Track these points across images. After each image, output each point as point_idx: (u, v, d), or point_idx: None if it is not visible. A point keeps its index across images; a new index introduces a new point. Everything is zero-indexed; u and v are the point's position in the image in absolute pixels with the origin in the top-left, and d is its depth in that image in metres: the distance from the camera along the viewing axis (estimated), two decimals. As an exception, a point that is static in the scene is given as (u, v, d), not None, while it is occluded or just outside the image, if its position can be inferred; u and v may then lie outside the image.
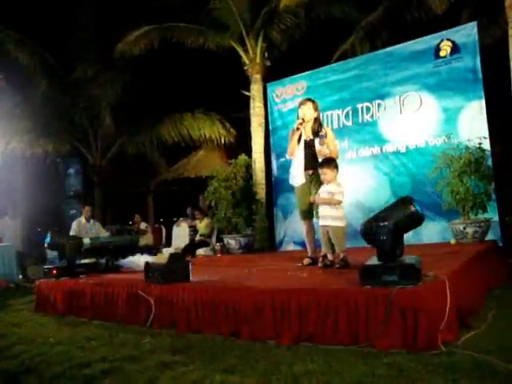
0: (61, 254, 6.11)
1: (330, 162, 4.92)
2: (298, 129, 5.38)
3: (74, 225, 9.25)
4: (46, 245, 6.34)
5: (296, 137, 5.42)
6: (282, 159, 9.26)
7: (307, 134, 5.39)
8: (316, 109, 5.43)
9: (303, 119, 5.36)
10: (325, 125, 8.08)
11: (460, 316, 3.35)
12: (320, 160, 5.10)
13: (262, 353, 3.22)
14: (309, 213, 5.34)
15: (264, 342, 3.48)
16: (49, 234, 6.21)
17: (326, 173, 4.87)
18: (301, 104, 5.51)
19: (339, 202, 4.78)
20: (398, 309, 3.06)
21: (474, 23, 7.59)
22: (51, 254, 9.24)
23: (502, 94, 7.70)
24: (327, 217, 4.83)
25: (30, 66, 13.55)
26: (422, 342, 2.94)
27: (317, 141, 5.25)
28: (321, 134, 5.26)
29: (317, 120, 5.41)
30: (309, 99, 5.57)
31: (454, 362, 2.69)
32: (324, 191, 4.88)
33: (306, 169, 5.31)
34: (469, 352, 2.81)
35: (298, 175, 5.40)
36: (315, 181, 5.20)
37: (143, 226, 11.87)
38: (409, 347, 2.96)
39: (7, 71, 12.97)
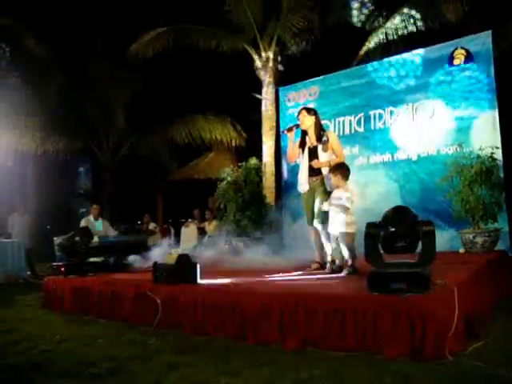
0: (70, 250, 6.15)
1: (336, 168, 4.96)
2: (289, 130, 5.54)
3: (83, 223, 9.30)
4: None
5: (291, 140, 5.56)
6: (292, 163, 9.25)
7: (311, 141, 5.43)
8: (313, 114, 5.45)
9: (298, 125, 5.48)
10: (332, 130, 8.15)
11: (468, 326, 3.32)
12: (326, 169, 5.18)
13: (268, 357, 3.22)
14: (314, 218, 5.34)
15: (270, 345, 3.48)
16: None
17: (331, 178, 4.95)
18: (298, 114, 5.59)
19: (346, 208, 4.77)
20: (406, 317, 3.04)
21: (489, 32, 7.53)
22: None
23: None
24: (336, 222, 4.83)
25: (46, 62, 13.69)
26: (429, 351, 2.92)
27: (320, 147, 5.28)
28: (323, 139, 5.29)
29: (317, 125, 5.44)
30: (303, 108, 5.66)
31: (461, 372, 2.68)
32: (333, 197, 4.90)
33: (310, 175, 5.34)
34: (476, 362, 2.79)
35: (303, 182, 5.43)
36: (319, 187, 5.23)
37: (152, 226, 11.89)
38: (416, 356, 2.95)
39: (22, 66, 13.09)
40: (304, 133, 5.50)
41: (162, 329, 4.20)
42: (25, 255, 9.53)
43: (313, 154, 5.34)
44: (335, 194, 4.89)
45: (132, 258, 6.71)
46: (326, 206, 4.95)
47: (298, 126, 5.49)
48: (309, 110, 5.51)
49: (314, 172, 5.31)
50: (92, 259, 6.28)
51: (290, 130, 5.55)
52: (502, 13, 9.30)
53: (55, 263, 6.30)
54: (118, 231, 9.73)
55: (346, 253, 4.83)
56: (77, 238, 6.15)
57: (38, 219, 12.89)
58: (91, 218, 9.47)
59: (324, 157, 5.24)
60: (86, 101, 14.31)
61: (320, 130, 5.42)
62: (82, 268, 5.89)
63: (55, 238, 9.97)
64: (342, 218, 4.79)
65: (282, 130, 5.76)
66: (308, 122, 5.41)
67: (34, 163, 15.37)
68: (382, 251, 3.49)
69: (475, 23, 9.50)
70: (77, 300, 5.35)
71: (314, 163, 5.23)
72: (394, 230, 3.31)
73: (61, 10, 14.40)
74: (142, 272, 5.82)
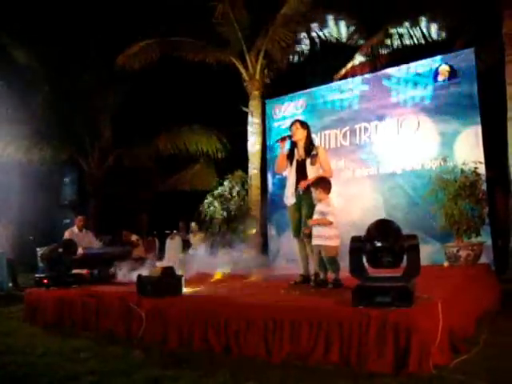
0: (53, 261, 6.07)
1: (317, 182, 4.99)
2: (282, 140, 5.51)
3: (67, 234, 9.19)
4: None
5: (281, 151, 5.56)
6: (279, 176, 9.28)
7: (300, 154, 5.46)
8: (306, 128, 5.49)
9: (290, 136, 5.48)
10: (318, 144, 8.21)
11: (452, 339, 3.34)
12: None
13: (253, 370, 3.20)
14: (300, 231, 5.35)
15: (255, 359, 3.46)
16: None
17: (314, 192, 4.97)
18: (290, 126, 5.61)
19: (330, 223, 4.80)
20: (391, 331, 3.05)
21: (472, 49, 7.67)
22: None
23: (497, 119, 7.79)
24: (320, 236, 4.86)
25: (33, 71, 13.64)
26: (413, 365, 2.93)
27: (308, 161, 5.31)
28: (312, 153, 5.33)
29: (308, 139, 5.47)
30: (297, 120, 5.70)
31: (445, 386, 2.69)
32: (316, 211, 4.93)
33: (296, 188, 5.36)
34: (460, 376, 2.80)
35: (290, 195, 5.45)
36: (305, 200, 5.24)
37: (134, 238, 11.74)
38: (400, 369, 2.95)
39: (8, 75, 13.00)
40: (293, 145, 5.52)
41: (146, 342, 4.16)
42: (7, 266, 9.39)
43: (301, 168, 5.36)
44: (318, 208, 4.93)
45: (116, 269, 6.64)
46: (311, 223, 4.98)
47: (291, 136, 5.51)
48: (302, 123, 5.54)
49: None
50: (75, 271, 6.22)
51: (283, 139, 5.55)
52: (484, 30, 9.45)
53: (38, 275, 6.20)
54: (102, 242, 9.64)
55: (330, 266, 4.85)
56: (60, 250, 6.08)
57: (21, 230, 12.72)
58: (75, 229, 9.36)
59: (312, 170, 5.26)
60: (73, 111, 14.23)
61: (310, 145, 5.45)
62: (66, 280, 5.82)
63: (38, 249, 9.85)
64: (325, 232, 4.82)
65: (275, 139, 5.77)
66: (300, 134, 5.44)
67: (18, 172, 15.20)
68: (366, 265, 3.50)
69: (459, 40, 9.66)
70: (59, 312, 5.27)
71: (302, 184, 5.22)
72: (380, 244, 3.32)
73: (48, 20, 14.34)
74: (126, 284, 5.77)
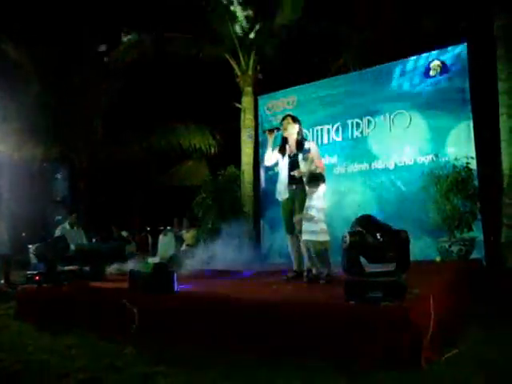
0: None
1: (310, 178, 4.99)
2: (270, 131, 5.57)
3: (58, 231, 9.15)
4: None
5: (270, 142, 5.56)
6: (271, 172, 9.27)
7: (291, 149, 5.45)
8: (297, 123, 5.48)
9: (279, 128, 5.51)
10: (311, 139, 8.22)
11: (443, 334, 3.35)
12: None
13: (245, 367, 3.20)
14: (292, 227, 5.35)
15: (247, 355, 3.45)
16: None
17: (306, 187, 5.00)
18: (282, 120, 5.59)
19: (313, 217, 4.80)
20: (382, 325, 3.05)
21: (464, 45, 7.67)
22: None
23: (489, 115, 7.81)
24: (308, 231, 4.86)
25: (24, 68, 13.57)
26: (404, 359, 2.94)
27: (300, 156, 5.30)
28: (304, 148, 5.33)
29: (299, 134, 5.46)
30: (288, 115, 5.68)
31: (436, 381, 2.69)
32: (306, 206, 4.94)
33: (289, 183, 5.35)
34: (451, 370, 2.81)
35: (282, 190, 5.44)
36: (298, 195, 5.24)
37: (124, 234, 11.70)
38: (391, 364, 2.96)
39: (0, 71, 12.91)
40: (284, 140, 5.51)
41: (138, 338, 4.14)
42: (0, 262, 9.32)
43: (293, 163, 5.35)
44: (307, 203, 4.94)
45: (109, 265, 6.62)
46: (296, 217, 4.99)
47: (279, 129, 5.51)
48: (294, 118, 5.52)
49: (293, 180, 5.31)
50: (67, 267, 6.19)
51: (271, 131, 5.57)
52: (476, 25, 9.47)
53: (30, 272, 6.17)
54: (95, 240, 9.62)
55: (320, 261, 4.85)
56: (52, 246, 6.05)
57: (12, 226, 12.62)
58: (67, 225, 9.33)
59: (304, 166, 5.26)
60: (65, 108, 14.17)
61: (302, 140, 5.44)
62: (57, 276, 5.79)
63: (30, 246, 9.79)
64: (314, 227, 4.82)
65: (263, 130, 5.75)
66: (291, 129, 5.42)
67: (9, 169, 15.11)
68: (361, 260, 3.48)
69: (451, 35, 9.67)
70: (51, 309, 5.25)
71: (297, 172, 5.23)
72: (382, 239, 3.29)
73: (40, 17, 14.25)
74: (118, 280, 5.74)
